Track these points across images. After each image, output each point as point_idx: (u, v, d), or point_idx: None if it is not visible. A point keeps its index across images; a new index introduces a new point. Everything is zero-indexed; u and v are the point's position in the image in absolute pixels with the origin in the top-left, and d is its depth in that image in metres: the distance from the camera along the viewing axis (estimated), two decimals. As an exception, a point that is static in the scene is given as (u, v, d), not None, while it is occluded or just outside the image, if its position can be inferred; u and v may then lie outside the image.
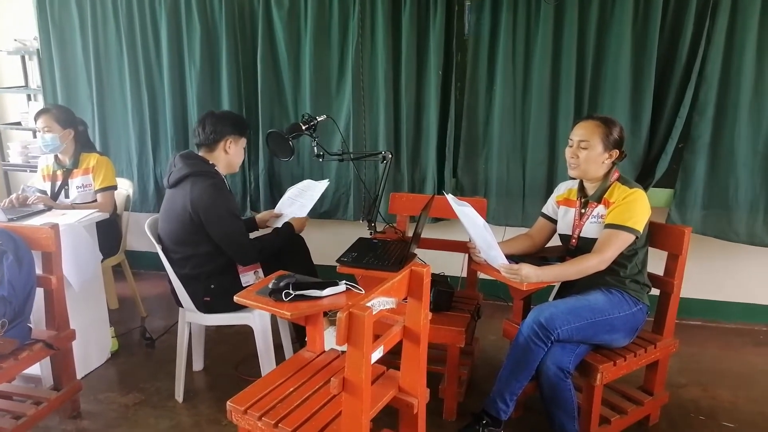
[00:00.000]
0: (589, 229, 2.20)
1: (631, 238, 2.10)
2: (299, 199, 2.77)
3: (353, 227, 3.41)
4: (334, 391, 1.54)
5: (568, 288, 2.25)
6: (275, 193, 3.58)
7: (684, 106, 2.97)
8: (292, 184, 2.94)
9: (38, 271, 2.27)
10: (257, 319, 2.42)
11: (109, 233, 3.08)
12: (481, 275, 2.37)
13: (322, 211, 3.54)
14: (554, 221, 2.39)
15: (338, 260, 2.31)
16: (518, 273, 2.05)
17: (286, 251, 2.60)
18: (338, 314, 1.44)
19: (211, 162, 2.48)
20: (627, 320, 2.13)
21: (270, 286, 1.96)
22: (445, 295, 2.37)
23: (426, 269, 1.66)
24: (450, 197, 2.15)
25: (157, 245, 2.44)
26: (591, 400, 2.11)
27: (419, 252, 2.51)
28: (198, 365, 2.81)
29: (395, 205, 2.84)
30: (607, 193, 2.18)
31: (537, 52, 3.09)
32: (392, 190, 3.24)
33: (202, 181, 2.37)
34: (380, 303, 1.53)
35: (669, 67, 3.00)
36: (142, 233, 2.52)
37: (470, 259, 2.33)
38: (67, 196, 3.08)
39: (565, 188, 2.37)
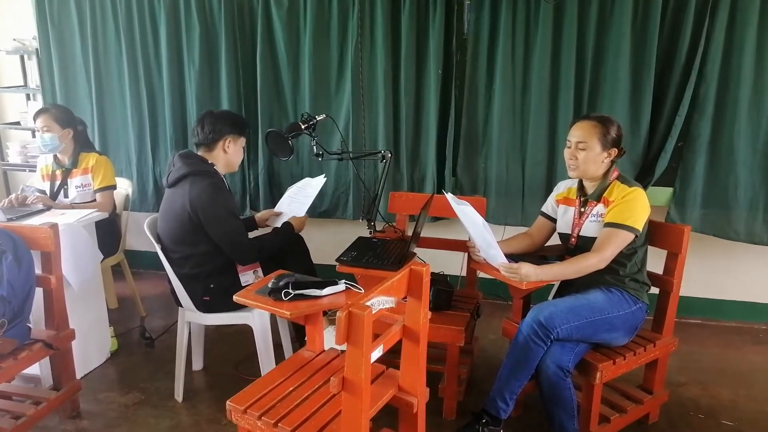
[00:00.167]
0: (588, 228, 2.20)
1: (630, 236, 2.10)
2: (298, 198, 2.77)
3: (353, 226, 3.42)
4: (333, 390, 1.54)
5: (567, 287, 2.25)
6: (275, 193, 3.58)
7: (683, 104, 2.97)
8: (292, 183, 2.94)
9: (37, 270, 2.26)
10: (257, 318, 2.42)
11: (108, 233, 3.08)
12: (481, 274, 2.36)
13: (321, 211, 3.54)
14: (554, 220, 2.39)
15: (338, 259, 2.31)
16: (518, 272, 2.05)
17: (285, 250, 2.60)
18: (338, 313, 1.44)
19: (210, 161, 2.47)
20: (626, 319, 2.13)
21: (269, 285, 1.96)
22: (445, 294, 2.37)
23: (425, 268, 1.66)
24: (449, 196, 2.15)
25: (156, 245, 2.44)
26: (590, 398, 2.11)
27: (419, 251, 2.51)
28: (197, 365, 2.81)
29: (395, 204, 2.84)
30: (606, 191, 2.18)
31: (537, 51, 3.09)
32: (392, 189, 3.24)
33: (201, 181, 2.37)
34: (380, 302, 1.53)
35: (668, 65, 3.00)
36: (141, 233, 2.51)
37: (470, 258, 2.33)
38: (66, 196, 3.08)
39: (564, 187, 2.37)
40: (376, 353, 1.56)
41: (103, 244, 2.93)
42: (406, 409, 1.76)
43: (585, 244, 2.18)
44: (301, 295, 1.91)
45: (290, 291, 1.90)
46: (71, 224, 2.58)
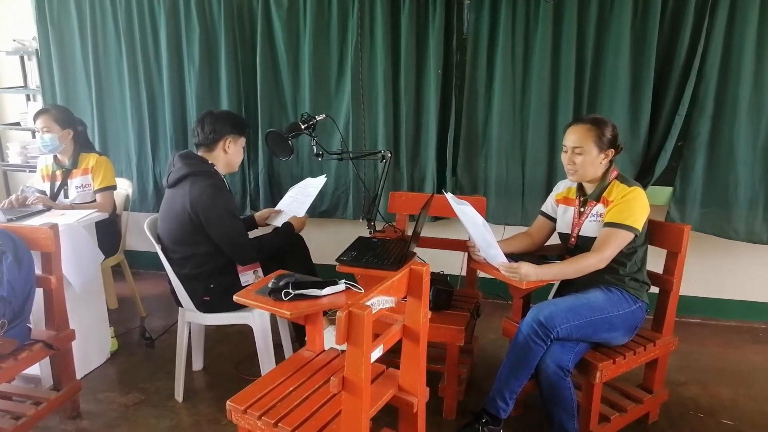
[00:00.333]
0: (588, 228, 2.20)
1: (630, 236, 2.10)
2: (298, 197, 2.77)
3: (353, 226, 3.42)
4: (333, 390, 1.54)
5: (567, 286, 2.25)
6: (275, 193, 3.58)
7: (683, 103, 2.97)
8: (292, 183, 2.95)
9: (38, 271, 2.27)
10: (257, 318, 2.42)
11: (108, 233, 3.08)
12: (481, 274, 2.36)
13: (321, 210, 3.54)
14: (553, 220, 2.39)
15: (338, 259, 2.31)
16: (517, 271, 2.05)
17: (285, 250, 2.60)
18: (338, 313, 1.44)
19: (210, 162, 2.47)
20: (626, 318, 2.13)
21: (269, 285, 1.96)
22: (445, 293, 2.37)
23: (425, 268, 1.66)
24: (449, 196, 2.15)
25: (156, 245, 2.44)
26: (590, 398, 2.11)
27: (419, 251, 2.51)
28: (198, 365, 2.81)
29: (395, 204, 2.84)
30: (606, 191, 2.18)
31: (536, 51, 3.09)
32: (392, 189, 3.24)
33: (201, 181, 2.37)
34: (380, 302, 1.53)
35: (668, 64, 3.00)
36: (141, 233, 2.51)
37: (470, 257, 2.33)
38: (66, 197, 3.08)
39: (564, 187, 2.37)
40: (376, 353, 1.56)
41: (104, 245, 2.93)
42: (406, 409, 1.76)
43: (585, 244, 2.18)
44: (301, 295, 1.91)
45: (290, 291, 1.90)
46: (71, 225, 2.58)
